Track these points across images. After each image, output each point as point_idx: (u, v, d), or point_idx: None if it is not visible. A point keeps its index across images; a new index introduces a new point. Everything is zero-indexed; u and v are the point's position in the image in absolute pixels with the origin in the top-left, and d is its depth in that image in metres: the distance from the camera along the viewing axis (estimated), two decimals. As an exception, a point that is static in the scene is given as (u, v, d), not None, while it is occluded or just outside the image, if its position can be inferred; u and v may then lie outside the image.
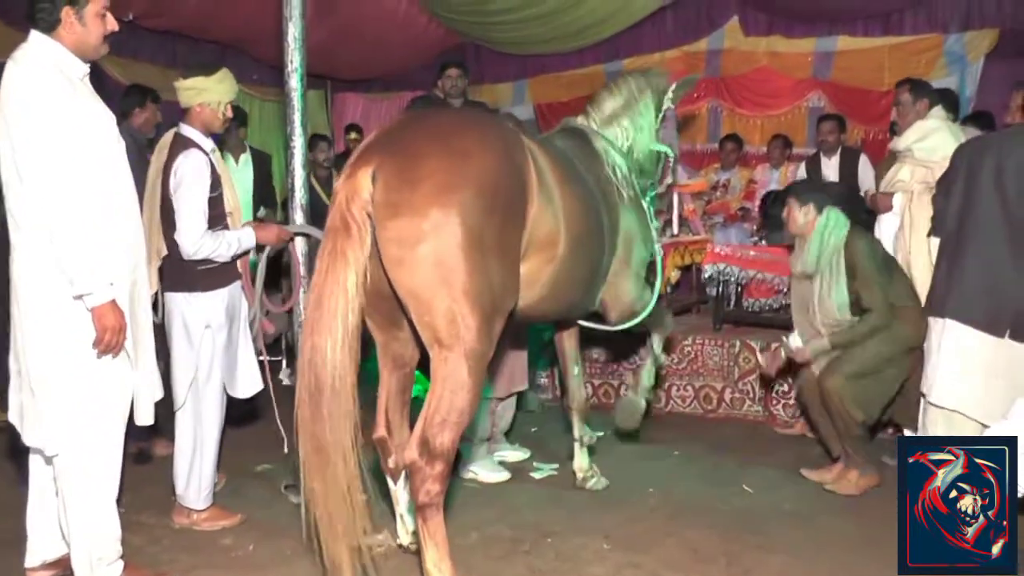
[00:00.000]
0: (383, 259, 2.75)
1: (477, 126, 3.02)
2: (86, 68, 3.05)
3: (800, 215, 4.45)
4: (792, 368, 4.83)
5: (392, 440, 3.29)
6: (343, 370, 2.71)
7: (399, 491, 3.44)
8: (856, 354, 4.27)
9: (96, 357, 2.96)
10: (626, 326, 4.06)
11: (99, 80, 3.17)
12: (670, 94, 4.24)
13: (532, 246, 3.10)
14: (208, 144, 3.77)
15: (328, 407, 2.71)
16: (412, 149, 2.79)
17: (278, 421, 4.03)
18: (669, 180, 4.46)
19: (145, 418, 3.21)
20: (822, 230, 4.36)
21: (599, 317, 4.12)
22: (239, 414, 4.61)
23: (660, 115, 4.21)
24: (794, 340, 4.50)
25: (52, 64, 2.93)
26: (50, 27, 2.95)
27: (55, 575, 3.25)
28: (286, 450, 4.10)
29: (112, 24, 3.07)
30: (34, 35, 2.96)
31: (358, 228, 2.71)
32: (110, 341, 2.92)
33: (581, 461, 4.40)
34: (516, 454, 4.85)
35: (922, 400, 4.02)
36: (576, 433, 4.38)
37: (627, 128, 4.07)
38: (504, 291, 2.89)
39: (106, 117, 3.08)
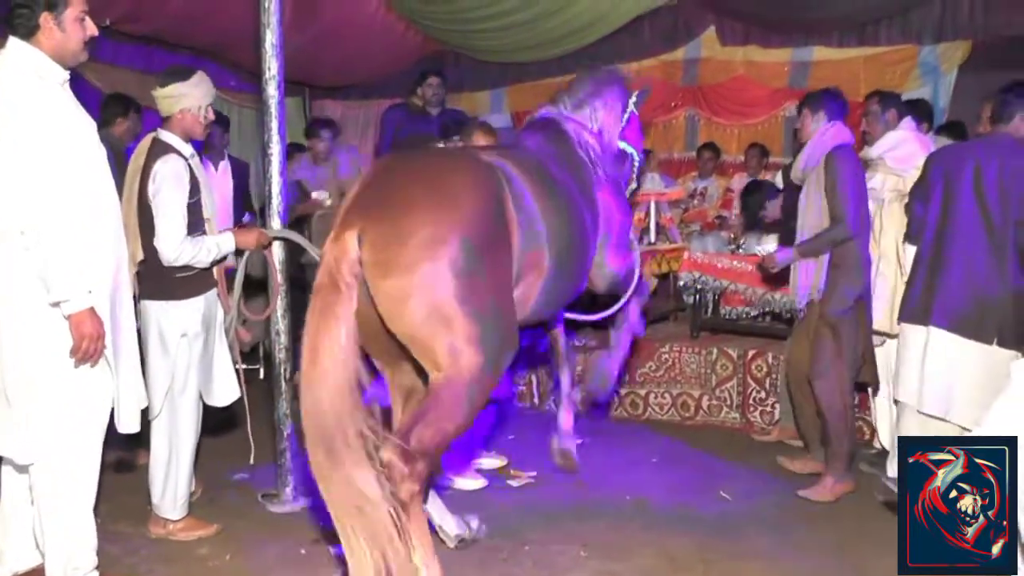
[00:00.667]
0: (380, 311, 2.76)
1: (454, 170, 2.99)
2: (66, 74, 3.03)
3: (811, 122, 4.48)
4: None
5: None
6: (348, 416, 2.66)
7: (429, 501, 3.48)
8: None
9: (74, 366, 2.93)
10: (612, 311, 4.08)
11: (75, 86, 3.14)
12: (633, 98, 4.28)
13: (522, 270, 3.11)
14: (187, 150, 3.76)
15: (346, 463, 2.65)
16: (394, 203, 2.79)
17: (249, 432, 4.00)
18: (634, 185, 4.48)
19: (130, 426, 3.18)
20: (820, 135, 4.39)
21: (582, 304, 4.14)
22: (215, 423, 4.58)
23: (626, 114, 4.24)
24: (764, 246, 4.46)
25: (32, 70, 2.91)
26: (29, 33, 2.93)
27: (28, 586, 3.21)
28: (251, 460, 4.11)
29: (91, 29, 3.05)
30: (12, 41, 2.94)
31: (347, 287, 2.70)
32: (87, 349, 2.89)
33: (565, 420, 4.39)
34: (493, 461, 4.85)
35: (894, 405, 4.06)
36: (564, 388, 4.36)
37: (597, 110, 4.06)
38: (506, 326, 2.90)
39: (86, 123, 3.06)
